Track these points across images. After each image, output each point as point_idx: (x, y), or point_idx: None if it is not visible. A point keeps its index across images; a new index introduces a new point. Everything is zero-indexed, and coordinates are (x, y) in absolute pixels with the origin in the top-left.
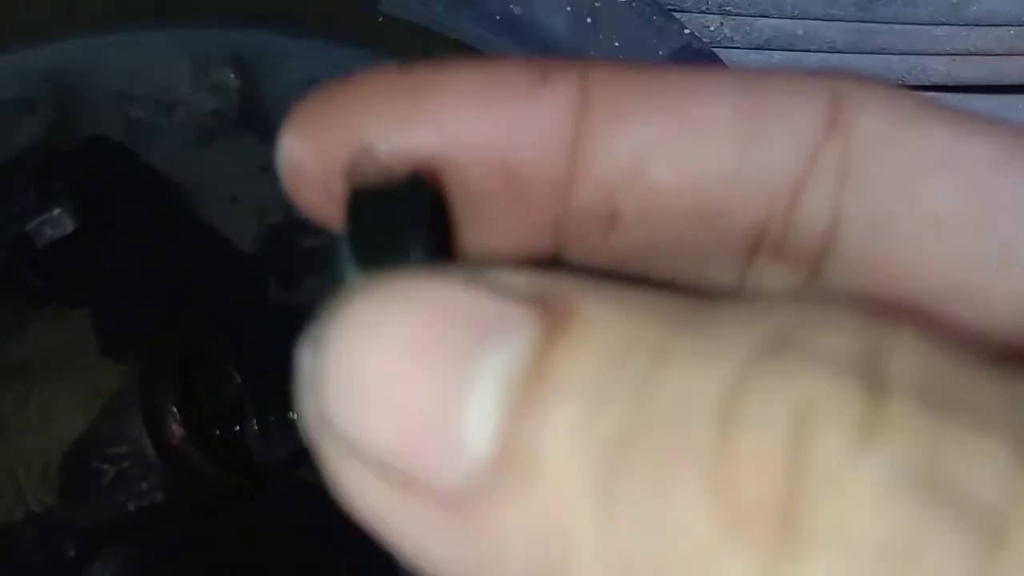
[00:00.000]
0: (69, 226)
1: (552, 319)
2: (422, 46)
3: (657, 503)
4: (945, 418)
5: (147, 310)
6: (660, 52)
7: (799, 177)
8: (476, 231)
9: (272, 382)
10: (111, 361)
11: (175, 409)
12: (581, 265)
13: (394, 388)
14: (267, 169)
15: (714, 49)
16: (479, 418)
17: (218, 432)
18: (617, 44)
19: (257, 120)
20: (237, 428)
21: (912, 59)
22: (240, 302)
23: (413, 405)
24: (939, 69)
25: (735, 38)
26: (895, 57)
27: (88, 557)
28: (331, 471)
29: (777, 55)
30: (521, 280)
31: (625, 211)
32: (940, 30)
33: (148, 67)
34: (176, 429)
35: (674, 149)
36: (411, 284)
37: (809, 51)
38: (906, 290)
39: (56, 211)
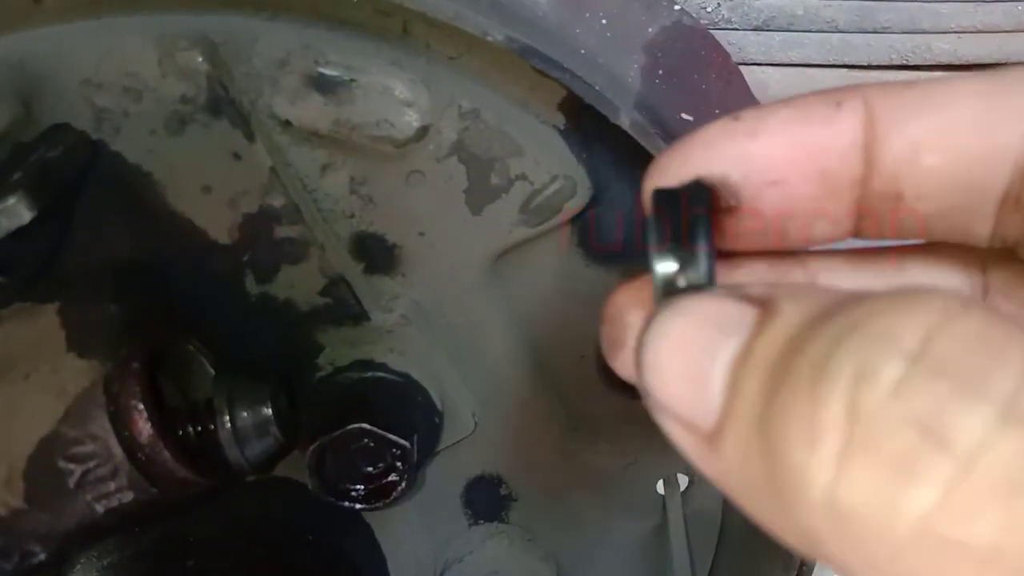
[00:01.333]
0: (25, 216)
1: (762, 317)
2: (400, 25)
3: (785, 423)
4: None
5: (118, 306)
6: (649, 29)
7: None
8: (800, 230)
9: (246, 379)
10: (79, 359)
11: (142, 406)
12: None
13: (675, 369)
14: (240, 156)
15: (713, 31)
16: (717, 386)
17: (191, 431)
18: (604, 21)
19: (228, 105)
20: (212, 427)
21: (917, 37)
22: (215, 296)
23: (684, 379)
24: (944, 47)
25: (733, 19)
26: (898, 36)
27: (61, 563)
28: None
29: (777, 36)
30: (755, 289)
31: (907, 192)
32: (945, 7)
33: (113, 53)
34: (144, 427)
35: (939, 141)
36: (686, 302)
37: (810, 31)
38: None
39: (11, 201)
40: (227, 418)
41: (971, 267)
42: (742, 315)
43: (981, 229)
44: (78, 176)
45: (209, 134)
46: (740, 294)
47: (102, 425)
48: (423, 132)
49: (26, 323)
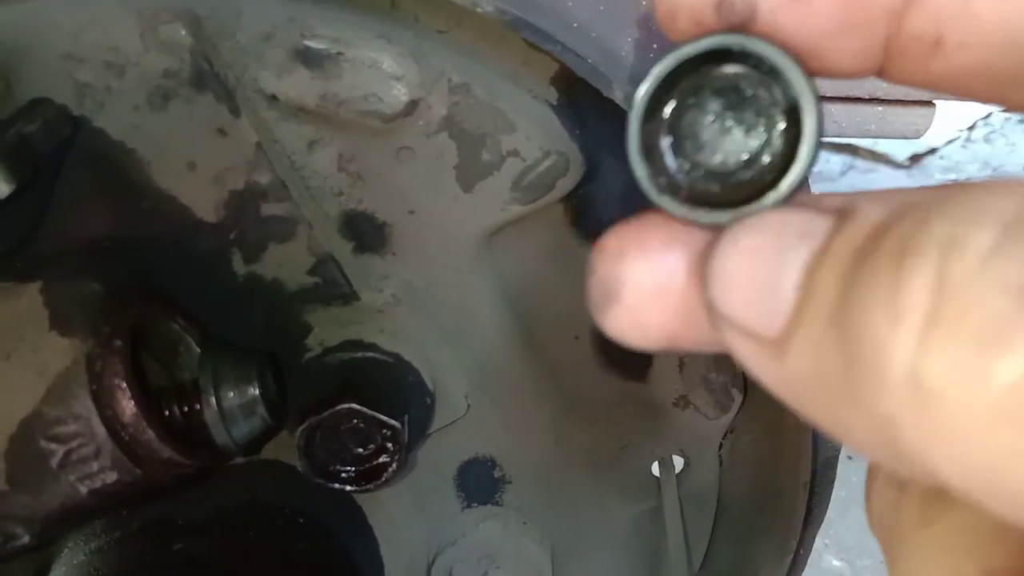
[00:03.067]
0: (3, 190)
1: (839, 221)
2: None
3: (864, 306)
4: None
5: (101, 283)
6: (643, 2)
7: None
8: (822, 59)
9: (233, 358)
10: (61, 337)
11: (125, 385)
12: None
13: (743, 278)
14: (225, 132)
15: None
16: (788, 289)
17: (176, 411)
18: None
19: (213, 80)
20: (197, 407)
21: None
22: (202, 275)
23: (753, 286)
24: None
25: None
26: None
27: (47, 545)
28: (720, 337)
29: None
30: (831, 200)
31: (949, 38)
32: None
33: (94, 27)
34: (127, 405)
35: None
36: (758, 217)
37: None
38: None
39: None
40: (213, 397)
41: None
42: (818, 222)
43: (1020, 97)
44: (58, 151)
45: (193, 109)
46: (816, 205)
47: (84, 404)
48: (412, 107)
49: (8, 302)
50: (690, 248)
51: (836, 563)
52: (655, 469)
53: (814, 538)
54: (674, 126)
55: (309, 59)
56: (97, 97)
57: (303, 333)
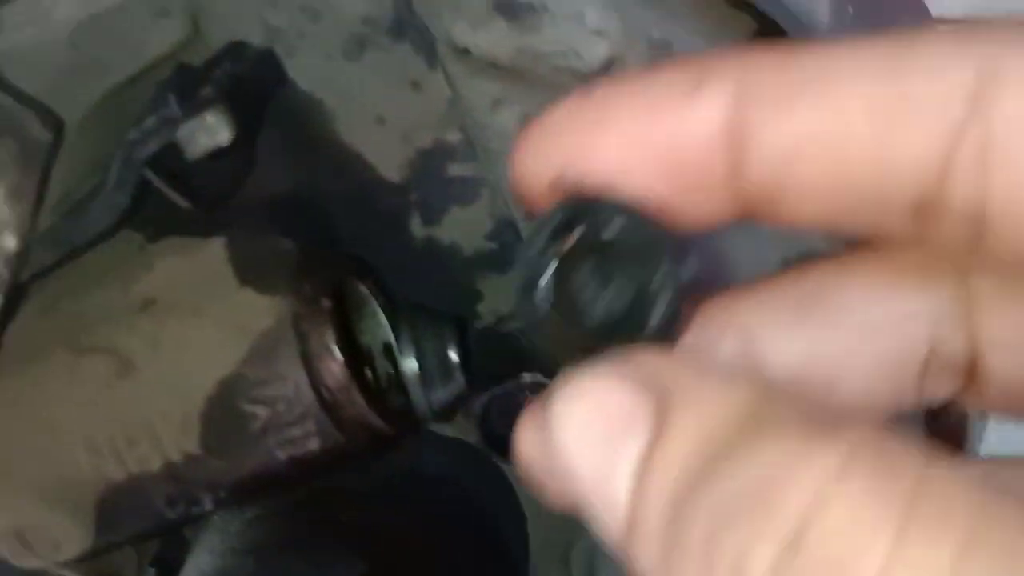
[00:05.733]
0: (225, 135)
1: (658, 428)
2: None
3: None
4: None
5: (288, 241)
6: None
7: (945, 155)
8: (673, 213)
9: (429, 322)
10: (256, 294)
11: (335, 347)
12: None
13: (584, 455)
14: (419, 85)
15: None
16: (623, 487)
17: (375, 376)
18: None
19: (412, 28)
20: (392, 371)
21: None
22: (379, 235)
23: (594, 467)
24: None
25: None
26: None
27: (224, 512)
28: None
29: None
30: (651, 375)
31: (787, 192)
32: None
33: None
34: (336, 369)
35: (819, 144)
36: (584, 384)
37: None
38: None
39: (209, 119)
40: (414, 361)
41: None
42: (640, 415)
43: (895, 228)
44: (262, 98)
45: (389, 60)
46: (636, 379)
47: (292, 366)
48: (609, 64)
49: (188, 258)
50: None
51: None
52: None
53: None
54: (554, 294)
55: (509, 10)
56: (289, 44)
57: (474, 301)
